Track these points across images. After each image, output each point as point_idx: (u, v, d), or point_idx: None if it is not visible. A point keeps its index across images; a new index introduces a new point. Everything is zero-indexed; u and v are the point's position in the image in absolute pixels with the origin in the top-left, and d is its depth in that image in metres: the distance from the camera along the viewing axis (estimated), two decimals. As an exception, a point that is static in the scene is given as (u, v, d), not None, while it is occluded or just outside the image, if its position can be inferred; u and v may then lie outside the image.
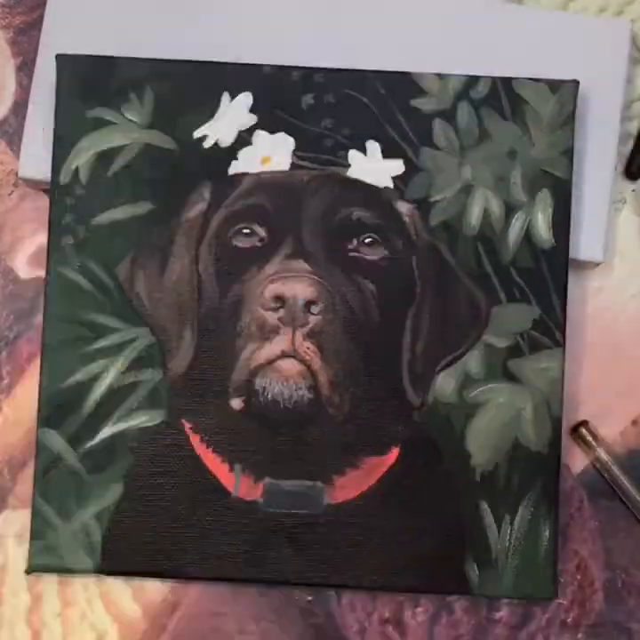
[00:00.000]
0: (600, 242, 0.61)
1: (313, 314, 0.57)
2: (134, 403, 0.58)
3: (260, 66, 0.59)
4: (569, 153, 0.59)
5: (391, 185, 0.59)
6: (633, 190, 0.63)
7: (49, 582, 0.61)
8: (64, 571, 0.58)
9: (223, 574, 0.58)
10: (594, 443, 0.62)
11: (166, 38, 0.61)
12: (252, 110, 0.59)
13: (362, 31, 0.61)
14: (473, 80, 0.59)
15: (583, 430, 0.62)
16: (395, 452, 0.58)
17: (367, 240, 0.58)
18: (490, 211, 0.59)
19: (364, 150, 0.59)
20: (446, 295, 0.58)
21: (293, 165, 0.59)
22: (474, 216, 0.59)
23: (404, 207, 0.59)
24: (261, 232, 0.58)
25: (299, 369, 0.57)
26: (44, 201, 0.61)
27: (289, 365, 0.57)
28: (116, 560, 0.58)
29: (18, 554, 0.61)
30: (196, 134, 0.59)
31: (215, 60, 0.60)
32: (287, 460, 0.58)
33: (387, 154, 0.59)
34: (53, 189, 0.59)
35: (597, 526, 0.62)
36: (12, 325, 0.63)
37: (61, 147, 0.59)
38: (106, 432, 0.58)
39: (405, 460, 0.58)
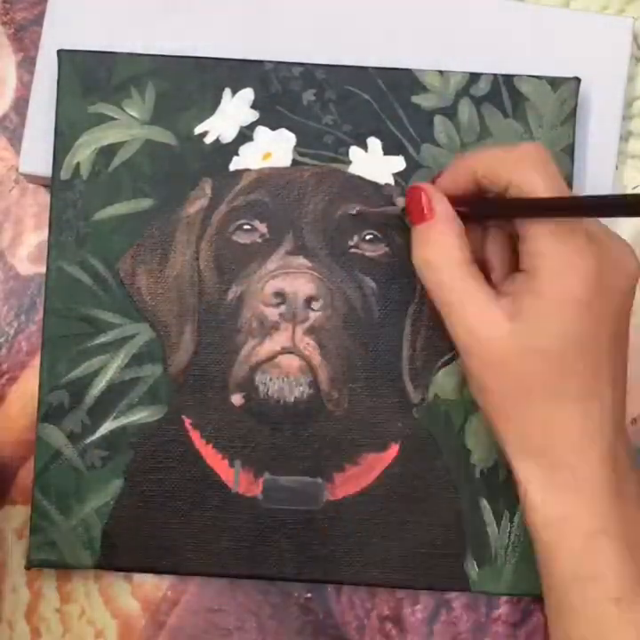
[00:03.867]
0: (601, 239, 0.61)
1: (313, 310, 0.57)
2: (134, 398, 0.58)
3: (262, 62, 0.59)
4: (570, 150, 0.59)
5: (392, 181, 0.59)
6: (634, 187, 0.63)
7: (48, 578, 0.61)
8: (64, 566, 0.58)
9: (222, 570, 0.58)
10: (594, 440, 0.61)
11: (168, 34, 0.61)
12: (253, 106, 0.59)
13: (363, 27, 0.61)
14: (474, 77, 0.59)
15: (583, 428, 0.62)
16: (394, 449, 0.58)
17: (368, 237, 0.58)
18: (490, 207, 0.59)
19: (365, 147, 0.59)
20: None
21: (294, 161, 0.59)
22: (474, 213, 0.59)
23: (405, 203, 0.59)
24: (262, 228, 0.58)
25: (299, 364, 0.57)
26: (45, 197, 0.61)
27: (289, 361, 0.57)
28: (116, 555, 0.58)
29: (17, 549, 0.61)
30: (197, 130, 0.59)
31: (216, 56, 0.60)
32: (287, 456, 0.58)
33: (388, 150, 0.59)
34: (54, 185, 0.59)
35: (597, 524, 0.62)
36: (12, 321, 0.63)
37: (62, 142, 0.59)
38: (106, 428, 0.58)
39: (405, 456, 0.58)
